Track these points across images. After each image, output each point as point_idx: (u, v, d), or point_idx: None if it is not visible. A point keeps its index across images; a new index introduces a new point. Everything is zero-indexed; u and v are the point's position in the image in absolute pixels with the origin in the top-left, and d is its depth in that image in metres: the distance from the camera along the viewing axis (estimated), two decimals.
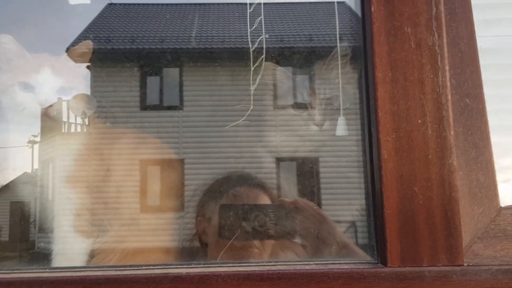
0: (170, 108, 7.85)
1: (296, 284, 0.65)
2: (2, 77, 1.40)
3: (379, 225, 0.68)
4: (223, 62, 7.80)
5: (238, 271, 0.65)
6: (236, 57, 7.66)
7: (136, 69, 7.71)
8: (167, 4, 9.12)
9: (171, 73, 8.03)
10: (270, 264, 0.68)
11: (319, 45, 7.51)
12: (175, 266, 0.63)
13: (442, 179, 0.72)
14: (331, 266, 0.67)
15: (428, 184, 0.70)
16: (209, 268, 0.64)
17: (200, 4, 9.06)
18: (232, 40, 7.79)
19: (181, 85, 7.91)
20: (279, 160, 7.21)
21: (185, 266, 0.63)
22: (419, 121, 0.71)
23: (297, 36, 7.61)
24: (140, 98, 7.75)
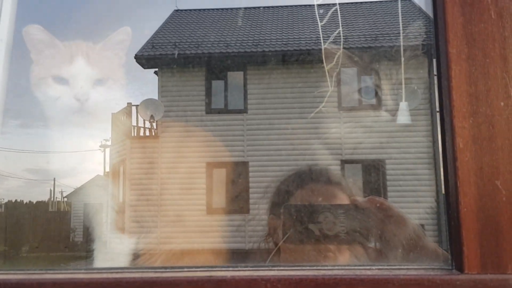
0: (234, 111, 7.92)
1: None
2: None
3: (454, 225, 0.57)
4: (286, 64, 7.74)
5: (289, 275, 0.56)
6: (300, 59, 7.58)
7: (202, 74, 7.86)
8: (231, 9, 9.25)
9: (236, 77, 8.11)
10: (326, 268, 0.58)
11: (385, 44, 7.26)
12: (220, 269, 0.54)
13: None
14: (397, 272, 0.57)
15: None
16: (258, 272, 0.56)
17: (263, 7, 9.09)
18: (295, 42, 7.71)
19: (245, 88, 7.96)
20: (344, 162, 7.01)
21: (230, 269, 0.55)
22: (502, 103, 0.58)
23: (361, 36, 7.40)
24: (206, 102, 7.90)
